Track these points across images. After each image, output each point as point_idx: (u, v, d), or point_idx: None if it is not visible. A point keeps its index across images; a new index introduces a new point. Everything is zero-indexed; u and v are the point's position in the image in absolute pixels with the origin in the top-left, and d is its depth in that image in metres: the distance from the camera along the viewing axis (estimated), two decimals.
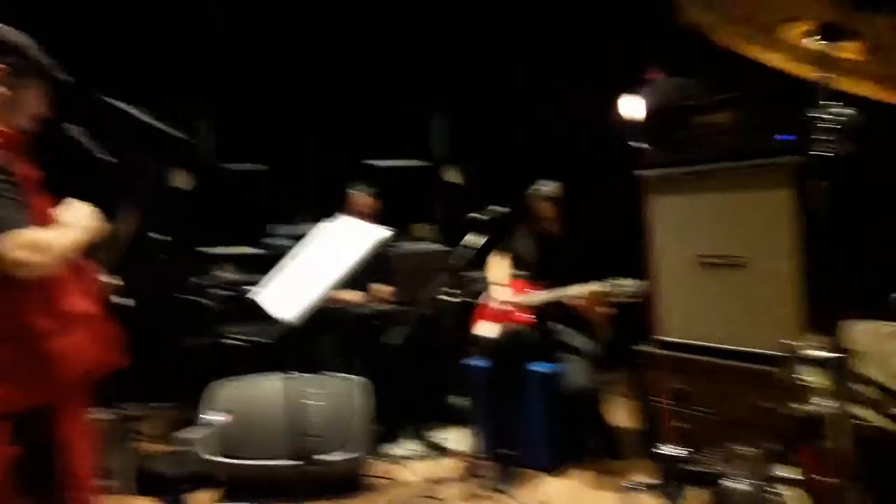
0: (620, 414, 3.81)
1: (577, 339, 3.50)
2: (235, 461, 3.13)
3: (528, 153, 4.93)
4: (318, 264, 2.68)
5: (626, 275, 3.20)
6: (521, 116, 4.99)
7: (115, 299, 2.02)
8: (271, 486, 3.02)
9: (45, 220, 1.83)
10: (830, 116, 1.09)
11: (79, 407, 1.91)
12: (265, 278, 2.76)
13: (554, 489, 3.27)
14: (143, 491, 3.15)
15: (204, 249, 4.84)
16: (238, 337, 4.08)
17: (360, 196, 4.14)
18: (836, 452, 1.08)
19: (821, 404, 1.14)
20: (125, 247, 2.58)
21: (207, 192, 5.14)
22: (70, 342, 1.83)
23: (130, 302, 2.00)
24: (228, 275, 4.74)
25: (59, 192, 1.95)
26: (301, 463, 2.59)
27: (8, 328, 1.75)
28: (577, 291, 3.32)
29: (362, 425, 3.22)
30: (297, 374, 3.26)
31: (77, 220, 1.91)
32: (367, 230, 2.74)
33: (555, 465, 3.45)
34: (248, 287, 4.28)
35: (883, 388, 1.33)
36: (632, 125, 3.51)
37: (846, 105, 1.08)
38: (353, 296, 4.00)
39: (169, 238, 3.05)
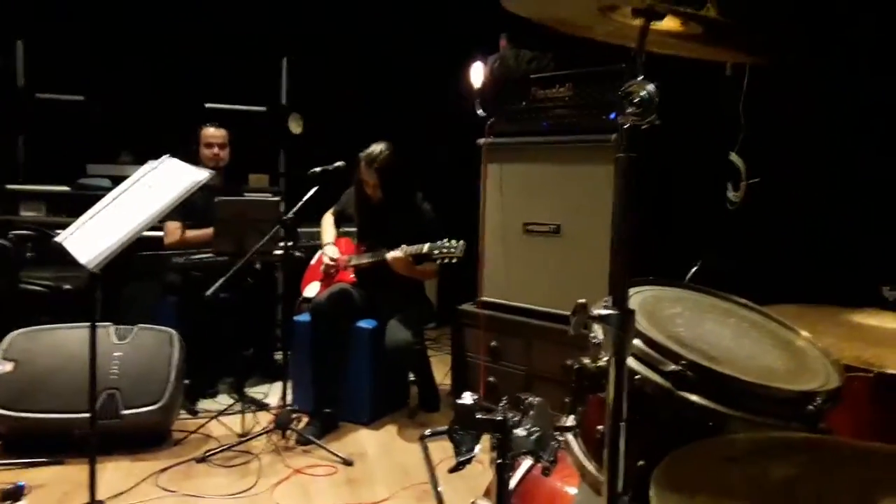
0: (442, 370, 3.89)
1: (401, 299, 3.49)
2: (19, 413, 2.89)
3: (373, 109, 4.86)
4: (129, 208, 2.47)
5: (456, 238, 3.23)
6: (372, 73, 4.91)
7: None
8: (64, 441, 2.83)
9: None
10: (637, 90, 1.13)
11: None
12: (75, 221, 2.51)
13: (367, 441, 3.31)
14: None
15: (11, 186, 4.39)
16: (39, 282, 3.73)
17: (211, 127, 3.87)
18: (613, 404, 1.15)
19: (605, 359, 1.21)
20: None
21: (18, 121, 4.63)
22: None
23: None
24: (36, 215, 4.33)
25: None
26: (90, 416, 2.40)
27: None
28: (395, 254, 3.31)
29: (171, 379, 3.07)
30: (104, 325, 3.05)
31: None
32: (183, 171, 2.56)
33: (374, 419, 3.50)
34: (57, 229, 3.93)
35: (660, 348, 1.43)
36: (476, 93, 3.54)
37: (652, 78, 1.13)
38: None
39: None
